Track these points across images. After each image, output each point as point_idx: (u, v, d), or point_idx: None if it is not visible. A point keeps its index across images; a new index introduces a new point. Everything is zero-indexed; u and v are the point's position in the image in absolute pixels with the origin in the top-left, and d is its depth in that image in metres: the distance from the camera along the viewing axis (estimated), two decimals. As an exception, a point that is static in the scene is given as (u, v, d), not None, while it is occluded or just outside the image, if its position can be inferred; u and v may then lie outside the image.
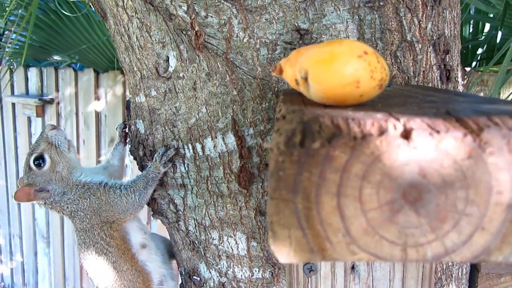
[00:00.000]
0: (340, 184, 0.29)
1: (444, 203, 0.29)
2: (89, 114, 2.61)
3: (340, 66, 0.36)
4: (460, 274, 0.82)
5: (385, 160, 0.28)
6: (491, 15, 2.21)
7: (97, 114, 2.59)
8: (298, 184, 0.29)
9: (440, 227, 0.29)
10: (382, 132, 0.28)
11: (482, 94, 1.99)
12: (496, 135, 0.28)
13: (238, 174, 0.72)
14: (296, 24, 0.65)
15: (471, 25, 2.19)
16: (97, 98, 2.57)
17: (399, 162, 0.28)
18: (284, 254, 0.30)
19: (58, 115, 2.78)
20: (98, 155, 2.63)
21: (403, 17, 0.65)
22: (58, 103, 2.77)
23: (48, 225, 3.00)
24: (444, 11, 0.70)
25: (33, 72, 2.86)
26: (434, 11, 0.67)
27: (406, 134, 0.28)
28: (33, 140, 2.99)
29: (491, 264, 0.84)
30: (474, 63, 2.12)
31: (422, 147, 0.28)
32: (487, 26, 2.21)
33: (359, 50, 0.37)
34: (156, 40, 0.72)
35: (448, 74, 0.72)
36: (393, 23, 0.65)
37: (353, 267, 0.63)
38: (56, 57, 2.77)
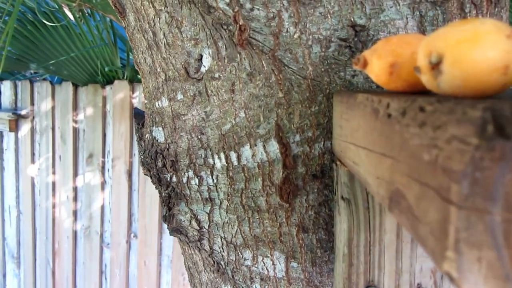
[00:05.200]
0: (559, 187, 0.22)
1: None
2: (66, 129, 2.48)
3: (489, 48, 0.30)
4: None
5: None
6: None
7: (75, 129, 2.46)
8: (499, 190, 0.22)
9: None
10: None
11: None
12: None
13: (280, 186, 0.64)
14: (352, 19, 0.59)
15: None
16: (76, 112, 2.44)
17: None
18: (471, 282, 0.23)
19: (33, 129, 2.63)
20: (75, 171, 2.49)
21: (468, 14, 0.60)
22: (33, 118, 2.62)
23: (19, 244, 2.81)
24: (501, 11, 0.65)
25: (6, 86, 2.70)
26: (496, 9, 0.62)
27: None
28: (5, 156, 2.81)
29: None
30: None
31: None
32: None
33: (507, 29, 0.31)
34: (187, 36, 0.65)
35: None
36: (457, 20, 0.60)
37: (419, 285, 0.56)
38: (33, 70, 2.63)
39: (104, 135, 2.37)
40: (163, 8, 0.65)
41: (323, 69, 0.60)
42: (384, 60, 0.42)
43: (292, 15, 0.58)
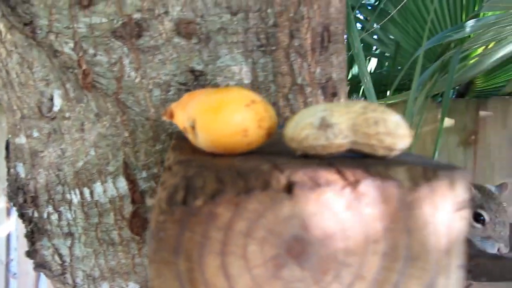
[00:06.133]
0: (224, 242, 0.27)
1: (326, 255, 0.29)
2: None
3: (228, 116, 0.36)
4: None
5: (269, 216, 0.28)
6: (387, 54, 2.48)
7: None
8: (180, 245, 0.27)
9: (322, 278, 0.29)
10: (265, 187, 0.28)
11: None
12: (371, 187, 0.29)
13: (131, 220, 0.68)
14: (190, 66, 0.65)
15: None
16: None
17: (282, 217, 0.28)
18: (167, 320, 0.28)
19: None
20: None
21: (293, 62, 0.68)
22: None
23: None
24: (331, 56, 0.74)
25: None
26: (322, 57, 0.71)
27: (289, 188, 0.28)
28: None
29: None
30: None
31: (304, 201, 0.28)
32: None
33: (247, 98, 0.37)
34: (39, 77, 0.67)
35: (336, 115, 0.76)
36: (284, 67, 0.68)
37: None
38: None
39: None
40: (13, 49, 0.67)
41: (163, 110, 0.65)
42: (186, 113, 0.48)
43: (132, 61, 0.63)
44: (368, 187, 0.29)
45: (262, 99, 0.39)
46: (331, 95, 0.75)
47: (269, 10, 0.64)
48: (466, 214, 0.31)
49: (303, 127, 0.34)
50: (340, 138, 0.33)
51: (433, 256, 0.31)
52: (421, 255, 0.31)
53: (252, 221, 0.28)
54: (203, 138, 0.37)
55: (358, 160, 0.33)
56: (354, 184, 0.29)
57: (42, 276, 2.23)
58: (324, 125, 0.33)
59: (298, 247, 0.28)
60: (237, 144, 0.37)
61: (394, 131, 0.33)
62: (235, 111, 0.36)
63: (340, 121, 0.33)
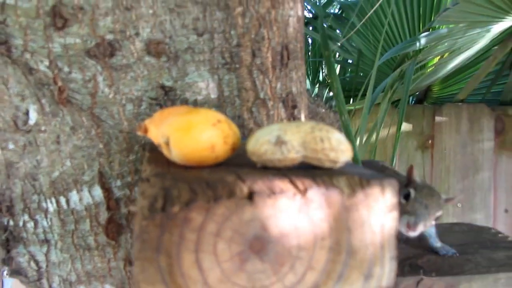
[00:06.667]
0: (197, 241, 0.33)
1: (282, 251, 0.35)
2: None
3: (197, 134, 0.42)
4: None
5: (234, 219, 0.34)
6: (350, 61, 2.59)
7: None
8: (161, 245, 0.33)
9: (280, 270, 0.35)
10: (231, 195, 0.34)
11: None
12: (317, 194, 0.36)
13: (106, 226, 0.72)
14: (160, 82, 0.70)
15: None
16: None
17: (245, 220, 0.34)
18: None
19: None
20: None
21: (256, 78, 0.74)
22: None
23: None
24: (291, 72, 0.81)
25: None
26: (282, 73, 0.78)
27: (250, 196, 0.35)
28: None
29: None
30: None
31: (262, 206, 0.34)
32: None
33: (214, 119, 0.43)
34: (14, 92, 0.70)
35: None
36: (248, 83, 0.74)
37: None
38: None
39: None
40: (-11, 66, 0.70)
41: (137, 124, 0.70)
42: (158, 128, 0.53)
43: (106, 78, 0.68)
44: (315, 194, 0.36)
45: (227, 118, 0.45)
46: (291, 107, 0.82)
47: (232, 32, 0.71)
48: (395, 215, 0.38)
49: (262, 144, 0.40)
50: (293, 153, 0.40)
51: (370, 249, 0.38)
52: (360, 249, 0.37)
53: (220, 224, 0.34)
54: (176, 153, 0.43)
55: (308, 171, 0.40)
56: (304, 192, 0.35)
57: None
58: (279, 142, 0.39)
59: (259, 244, 0.34)
60: (206, 158, 0.43)
61: (337, 147, 0.39)
62: (204, 130, 0.42)
63: (292, 139, 0.39)
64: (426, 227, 0.90)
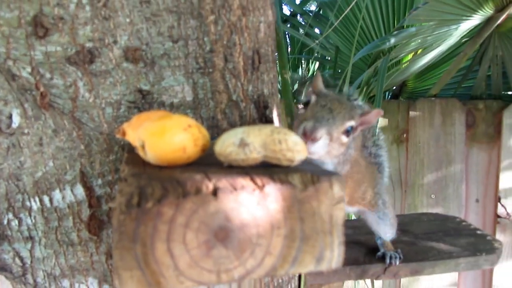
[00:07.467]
0: (168, 232, 0.38)
1: (243, 239, 0.41)
2: None
3: (170, 138, 0.47)
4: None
5: (200, 212, 0.39)
6: (328, 58, 2.65)
7: None
8: (137, 236, 0.38)
9: (242, 256, 0.41)
10: (198, 191, 0.39)
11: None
12: (273, 189, 0.41)
13: (88, 222, 0.77)
14: (138, 86, 0.74)
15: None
16: None
17: (210, 212, 0.39)
18: (129, 291, 0.38)
19: None
20: None
21: (228, 81, 0.79)
22: None
23: None
24: (262, 74, 0.87)
25: None
26: (253, 76, 0.83)
27: (215, 192, 0.40)
28: None
29: (312, 278, 1.02)
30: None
31: (225, 201, 0.40)
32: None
33: (185, 123, 0.48)
34: (-2, 97, 0.74)
35: (267, 125, 0.88)
36: (221, 86, 0.79)
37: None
38: None
39: None
40: (-27, 72, 0.74)
41: (116, 126, 0.74)
42: (135, 132, 0.58)
43: (86, 83, 0.72)
44: (272, 189, 0.41)
45: (197, 123, 0.50)
46: (263, 108, 0.88)
47: (205, 39, 0.75)
48: (343, 206, 0.44)
49: (227, 145, 0.45)
50: (255, 154, 0.45)
51: (320, 236, 0.43)
52: (311, 236, 0.43)
53: (189, 216, 0.39)
54: (151, 155, 0.48)
55: (268, 169, 0.46)
56: (262, 187, 0.41)
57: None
58: (243, 144, 0.45)
59: (223, 233, 0.40)
60: (178, 159, 0.48)
61: (293, 147, 0.45)
62: (176, 134, 0.47)
63: (254, 141, 0.45)
64: (333, 137, 0.73)
